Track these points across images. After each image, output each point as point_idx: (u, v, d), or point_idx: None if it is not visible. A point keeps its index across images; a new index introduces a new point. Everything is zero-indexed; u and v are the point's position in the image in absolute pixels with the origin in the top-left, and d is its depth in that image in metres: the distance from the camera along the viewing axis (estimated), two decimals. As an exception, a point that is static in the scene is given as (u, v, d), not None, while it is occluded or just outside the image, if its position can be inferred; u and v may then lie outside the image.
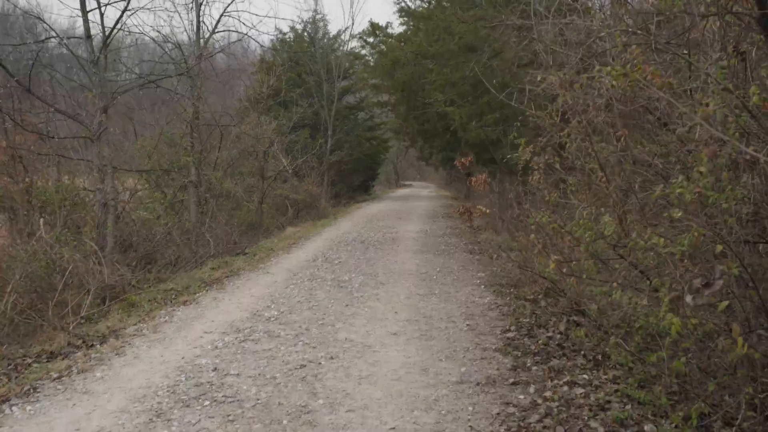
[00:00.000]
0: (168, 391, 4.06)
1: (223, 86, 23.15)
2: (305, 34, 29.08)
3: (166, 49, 11.64)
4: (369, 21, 33.01)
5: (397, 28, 21.89)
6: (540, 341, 4.96)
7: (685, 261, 3.04)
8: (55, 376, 4.47)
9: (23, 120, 10.49)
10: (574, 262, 4.05)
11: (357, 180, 32.06)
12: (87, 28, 9.00)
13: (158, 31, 17.12)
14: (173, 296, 7.51)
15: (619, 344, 3.58)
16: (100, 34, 9.35)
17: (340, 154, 26.69)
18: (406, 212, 20.41)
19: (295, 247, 11.68)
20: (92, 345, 5.35)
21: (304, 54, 27.59)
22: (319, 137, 25.15)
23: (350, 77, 29.87)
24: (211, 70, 12.21)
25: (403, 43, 12.61)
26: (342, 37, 30.15)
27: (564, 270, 4.31)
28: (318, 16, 28.82)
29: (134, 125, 13.02)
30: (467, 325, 5.67)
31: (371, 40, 22.26)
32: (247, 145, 18.47)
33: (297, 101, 24.68)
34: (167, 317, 6.26)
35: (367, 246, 11.39)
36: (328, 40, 29.47)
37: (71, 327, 5.93)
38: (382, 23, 26.07)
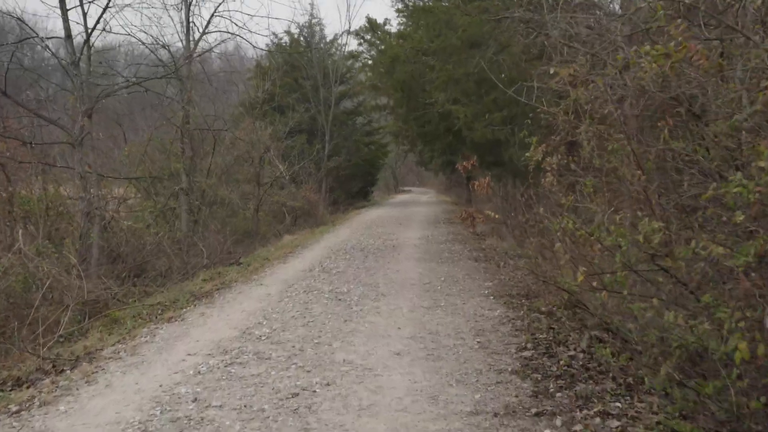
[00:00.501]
0: (138, 429, 3.53)
1: (217, 91, 22.71)
2: (301, 38, 28.63)
3: (154, 51, 11.14)
4: (366, 17, 32.46)
5: (396, 26, 21.29)
6: (561, 361, 4.43)
7: (751, 274, 2.51)
8: (14, 409, 3.94)
9: (5, 126, 10.01)
10: (606, 275, 3.52)
11: (355, 186, 31.55)
12: (67, 27, 8.50)
13: (145, 32, 16.51)
14: (159, 311, 6.99)
15: (667, 372, 3.04)
16: (83, 34, 8.85)
17: (338, 159, 26.19)
18: (406, 218, 19.90)
19: (292, 256, 11.15)
20: (62, 370, 4.81)
21: (300, 56, 27.14)
22: (316, 143, 24.67)
23: (347, 81, 29.41)
24: (202, 73, 11.72)
25: (402, 40, 12.01)
26: (339, 40, 29.67)
27: (594, 283, 3.78)
28: (314, 20, 28.30)
29: (124, 130, 12.50)
30: (478, 342, 5.13)
31: (369, 37, 21.59)
32: (242, 151, 17.98)
33: (293, 106, 24.21)
34: (149, 336, 5.72)
35: (367, 254, 10.87)
36: (325, 45, 29.02)
37: (42, 349, 5.39)
38: (380, 20, 25.58)
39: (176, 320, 6.36)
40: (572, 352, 4.64)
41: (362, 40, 26.38)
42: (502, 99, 7.09)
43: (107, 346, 5.50)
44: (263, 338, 5.43)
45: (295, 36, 28.50)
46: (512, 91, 6.59)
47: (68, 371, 4.75)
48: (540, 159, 5.63)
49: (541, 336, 5.15)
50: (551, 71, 5.20)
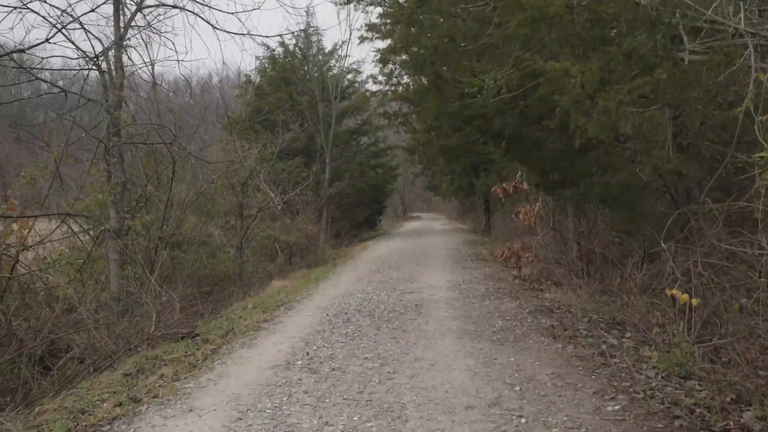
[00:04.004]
0: None
1: (202, 108, 19.31)
2: (297, 49, 25.35)
3: (68, 36, 7.71)
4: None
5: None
6: None
7: None
8: None
9: None
10: None
11: (361, 214, 28.01)
12: None
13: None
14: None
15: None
16: None
17: (341, 185, 22.68)
18: (424, 253, 16.25)
19: (266, 328, 7.51)
20: None
21: (294, 68, 23.82)
22: (315, 166, 21.20)
23: (350, 97, 26.06)
24: (137, 66, 8.23)
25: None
26: (339, 51, 26.38)
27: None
28: (311, 29, 25.04)
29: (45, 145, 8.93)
30: None
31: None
32: (218, 175, 14.51)
33: (287, 124, 20.81)
34: None
35: (379, 324, 7.24)
36: (324, 56, 25.73)
37: None
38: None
39: None
40: None
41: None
42: (647, 49, 3.72)
43: None
44: None
45: (290, 47, 25.25)
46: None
47: None
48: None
49: None
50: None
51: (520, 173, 10.94)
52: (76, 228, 9.66)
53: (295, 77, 23.79)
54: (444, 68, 6.11)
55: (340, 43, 37.06)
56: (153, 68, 10.11)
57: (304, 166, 21.14)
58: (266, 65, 25.25)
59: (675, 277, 7.43)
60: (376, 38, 11.27)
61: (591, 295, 8.30)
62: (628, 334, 6.13)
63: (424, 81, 7.82)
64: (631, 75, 3.72)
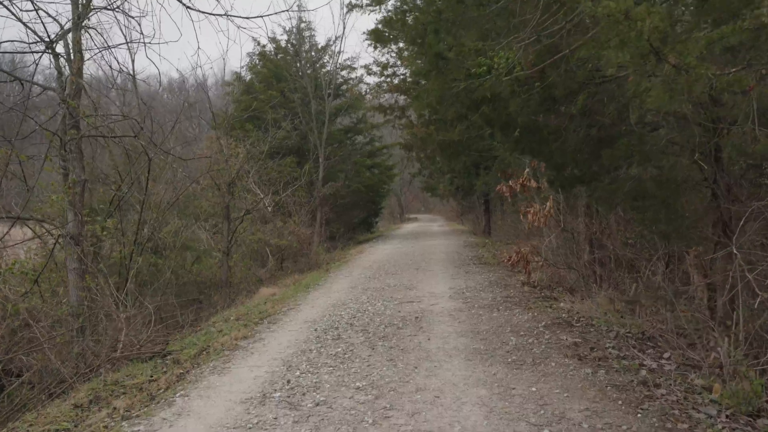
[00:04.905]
0: None
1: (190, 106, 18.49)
2: (289, 45, 24.40)
3: (19, 16, 6.74)
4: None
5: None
6: None
7: None
8: None
9: None
10: None
11: (357, 216, 27.05)
12: None
13: None
14: None
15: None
16: None
17: (335, 185, 21.68)
18: (423, 257, 15.30)
19: (244, 347, 6.55)
20: None
21: (286, 65, 22.87)
22: (308, 165, 20.24)
23: (344, 94, 25.09)
24: (99, 50, 7.27)
25: None
26: (333, 47, 25.40)
27: None
28: (303, 24, 24.07)
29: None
30: None
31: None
32: (202, 174, 13.55)
33: (278, 122, 19.87)
34: None
35: (373, 342, 6.28)
36: (317, 52, 24.76)
37: None
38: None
39: None
40: None
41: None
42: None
43: None
44: None
45: (281, 43, 24.28)
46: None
47: None
48: None
49: None
50: None
51: (527, 170, 10.02)
52: (39, 232, 8.71)
53: (287, 74, 22.82)
54: (447, 44, 5.16)
55: (334, 38, 36.03)
56: (132, 57, 9.06)
57: (297, 166, 20.20)
58: (257, 62, 24.30)
59: (711, 284, 6.52)
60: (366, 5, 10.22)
61: (610, 302, 7.38)
62: (666, 354, 5.19)
63: (422, 66, 6.87)
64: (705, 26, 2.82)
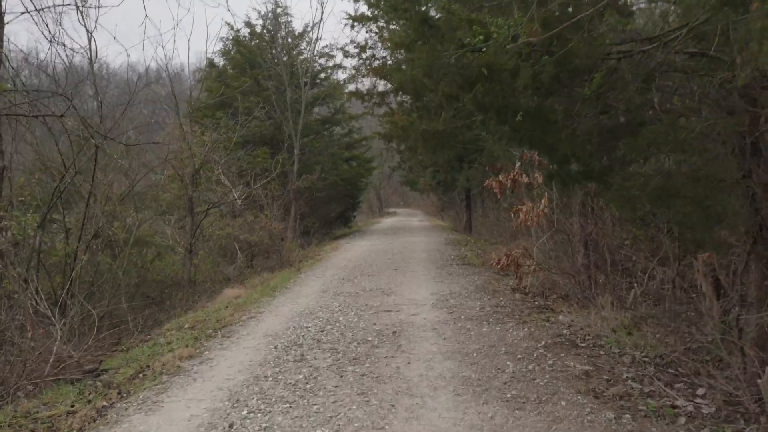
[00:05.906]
0: None
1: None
2: (264, 31, 23.16)
3: None
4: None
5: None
6: None
7: None
8: None
9: None
10: None
11: (334, 210, 25.95)
12: None
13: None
14: None
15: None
16: None
17: (311, 178, 20.55)
18: (403, 256, 14.27)
19: (187, 370, 5.45)
20: None
21: (260, 51, 21.66)
22: (281, 156, 19.08)
23: (321, 83, 23.95)
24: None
25: None
26: (310, 33, 24.22)
27: None
28: (279, 9, 22.83)
29: None
30: None
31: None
32: (160, 163, 12.37)
33: (251, 110, 18.68)
34: None
35: (343, 366, 5.23)
36: (293, 39, 23.56)
37: None
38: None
39: None
40: None
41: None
42: None
43: None
44: None
45: (257, 28, 23.04)
46: None
47: None
48: None
49: None
50: None
51: (518, 164, 9.06)
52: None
53: (261, 60, 21.60)
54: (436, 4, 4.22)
55: (312, 24, 34.74)
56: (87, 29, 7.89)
57: (270, 158, 19.04)
58: (230, 47, 23.03)
59: (726, 296, 5.60)
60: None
61: (615, 316, 6.43)
62: (701, 391, 4.23)
63: (406, 35, 5.86)
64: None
